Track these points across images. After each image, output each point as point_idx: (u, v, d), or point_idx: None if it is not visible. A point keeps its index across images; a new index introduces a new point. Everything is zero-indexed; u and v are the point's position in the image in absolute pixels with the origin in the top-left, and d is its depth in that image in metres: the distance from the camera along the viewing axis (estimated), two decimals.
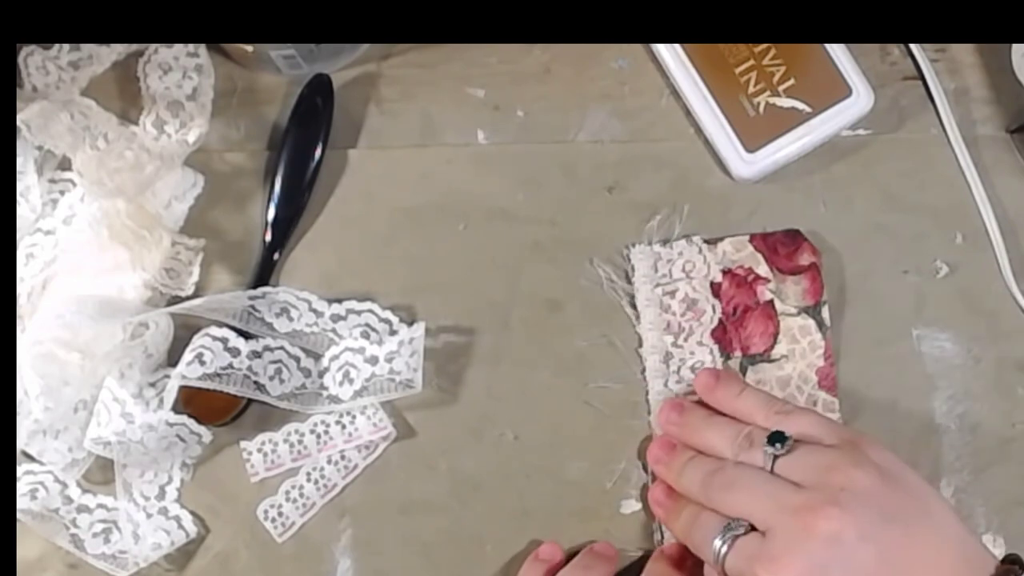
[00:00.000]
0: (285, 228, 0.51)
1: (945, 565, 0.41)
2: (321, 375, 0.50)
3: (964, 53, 0.54)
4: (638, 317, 0.51)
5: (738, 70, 0.52)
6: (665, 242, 0.52)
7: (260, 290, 0.50)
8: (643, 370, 0.51)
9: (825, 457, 0.43)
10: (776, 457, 0.44)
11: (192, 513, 0.49)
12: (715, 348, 0.50)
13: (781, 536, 0.42)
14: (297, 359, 0.49)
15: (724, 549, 0.43)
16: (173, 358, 0.49)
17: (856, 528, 0.41)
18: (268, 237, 0.51)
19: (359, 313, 0.50)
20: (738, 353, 0.50)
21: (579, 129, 0.53)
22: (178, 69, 0.52)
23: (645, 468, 0.50)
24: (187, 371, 0.46)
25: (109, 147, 0.50)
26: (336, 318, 0.50)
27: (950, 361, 0.51)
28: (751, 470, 0.45)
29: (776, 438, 0.44)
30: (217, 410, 0.49)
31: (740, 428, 0.46)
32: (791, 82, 0.52)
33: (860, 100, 0.51)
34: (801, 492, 0.43)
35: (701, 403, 0.49)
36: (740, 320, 0.50)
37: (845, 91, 0.51)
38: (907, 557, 0.41)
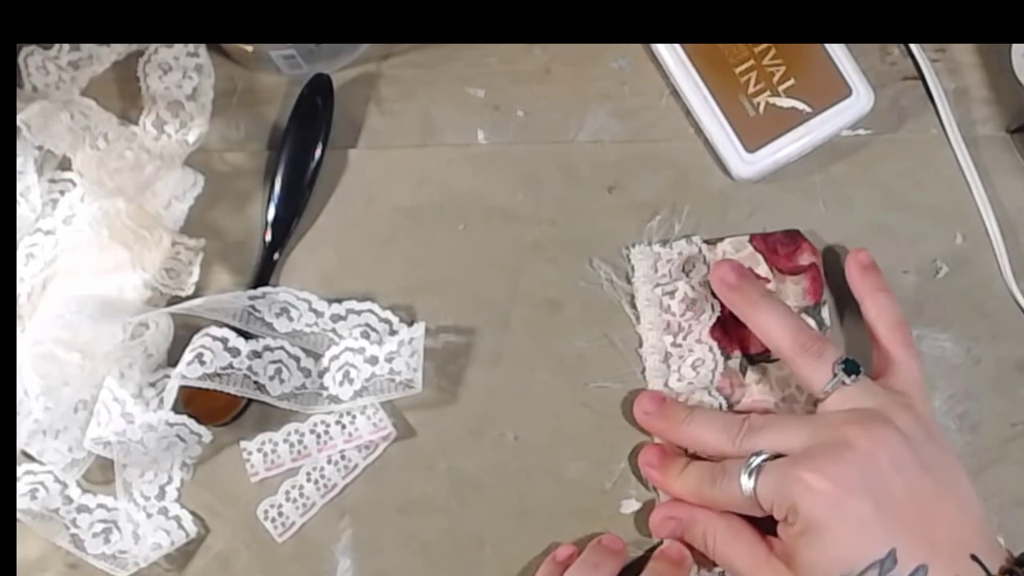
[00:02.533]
0: (285, 228, 0.51)
1: (969, 533, 0.42)
2: (321, 375, 0.50)
3: (964, 53, 0.54)
4: (638, 317, 0.51)
5: (738, 70, 0.52)
6: (665, 242, 0.52)
7: (260, 290, 0.50)
8: (643, 370, 0.51)
9: (874, 399, 0.45)
10: (829, 392, 0.45)
11: (192, 513, 0.49)
12: (715, 346, 0.50)
13: (819, 447, 0.43)
14: (297, 359, 0.49)
15: (753, 479, 0.43)
16: (173, 358, 0.49)
17: (890, 456, 0.42)
18: (268, 237, 0.51)
19: (359, 313, 0.50)
20: (738, 353, 0.50)
21: (579, 129, 0.53)
22: (178, 69, 0.52)
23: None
24: (187, 371, 0.46)
25: (109, 147, 0.50)
26: (336, 318, 0.50)
27: (950, 361, 0.51)
28: (776, 415, 0.47)
29: (852, 368, 0.45)
30: (217, 410, 0.49)
31: (733, 418, 0.47)
32: (791, 82, 0.52)
33: (860, 100, 0.51)
34: (839, 416, 0.44)
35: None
36: (740, 320, 0.50)
37: (845, 91, 0.51)
38: (933, 508, 0.42)
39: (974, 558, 0.41)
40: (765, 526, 0.45)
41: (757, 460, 0.44)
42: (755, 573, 0.44)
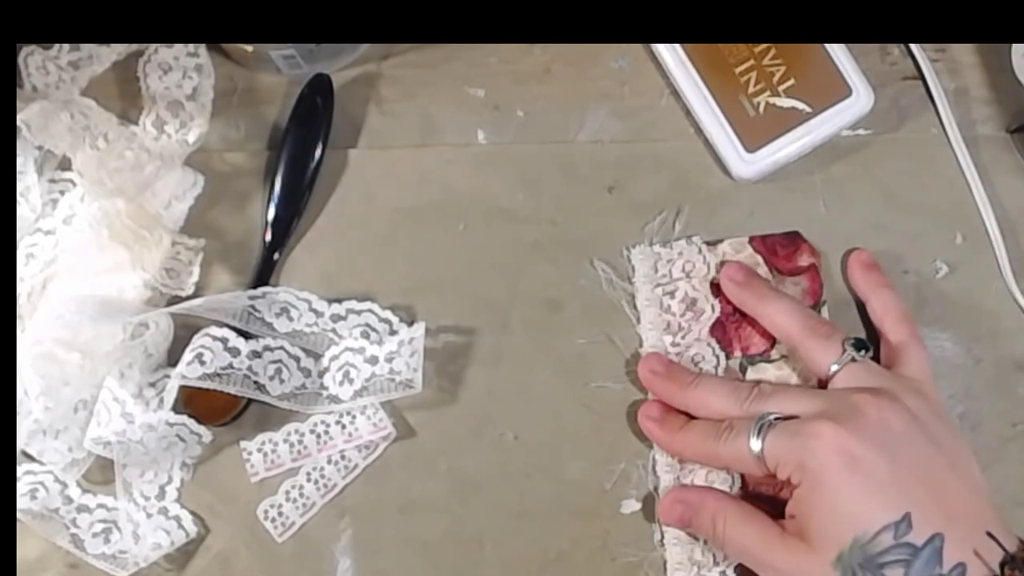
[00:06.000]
0: (285, 228, 0.51)
1: (984, 511, 0.42)
2: (321, 375, 0.50)
3: (964, 53, 0.54)
4: (638, 317, 0.51)
5: (738, 70, 0.52)
6: (665, 243, 0.52)
7: (260, 290, 0.50)
8: None
9: (883, 380, 0.45)
10: (840, 369, 0.45)
11: (192, 513, 0.49)
12: (715, 345, 0.50)
13: (832, 411, 0.43)
14: (297, 359, 0.49)
15: (762, 438, 0.43)
16: (173, 358, 0.49)
17: (902, 428, 0.42)
18: (268, 237, 0.51)
19: (359, 313, 0.50)
20: (738, 353, 0.50)
21: (579, 129, 0.53)
22: (178, 69, 0.52)
23: (652, 468, 0.50)
24: (187, 371, 0.46)
25: (109, 147, 0.50)
26: (336, 318, 0.50)
27: (950, 361, 0.51)
28: (787, 385, 0.47)
29: (861, 344, 0.46)
30: (217, 410, 0.49)
31: (742, 384, 0.47)
32: (791, 82, 0.52)
33: (860, 100, 0.51)
34: (850, 389, 0.44)
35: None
36: (740, 320, 0.50)
37: (845, 91, 0.51)
38: (946, 482, 0.42)
39: (991, 535, 0.40)
40: (776, 512, 0.46)
41: (769, 418, 0.44)
42: (768, 554, 0.43)
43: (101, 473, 0.49)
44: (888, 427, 0.42)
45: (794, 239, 0.51)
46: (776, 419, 0.44)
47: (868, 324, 0.51)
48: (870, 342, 0.47)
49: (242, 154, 0.53)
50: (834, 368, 0.46)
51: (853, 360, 0.46)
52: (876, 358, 0.48)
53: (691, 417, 0.48)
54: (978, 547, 0.40)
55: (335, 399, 0.49)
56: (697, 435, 0.46)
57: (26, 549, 0.49)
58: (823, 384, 0.47)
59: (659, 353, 0.50)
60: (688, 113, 0.53)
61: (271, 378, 0.49)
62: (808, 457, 0.42)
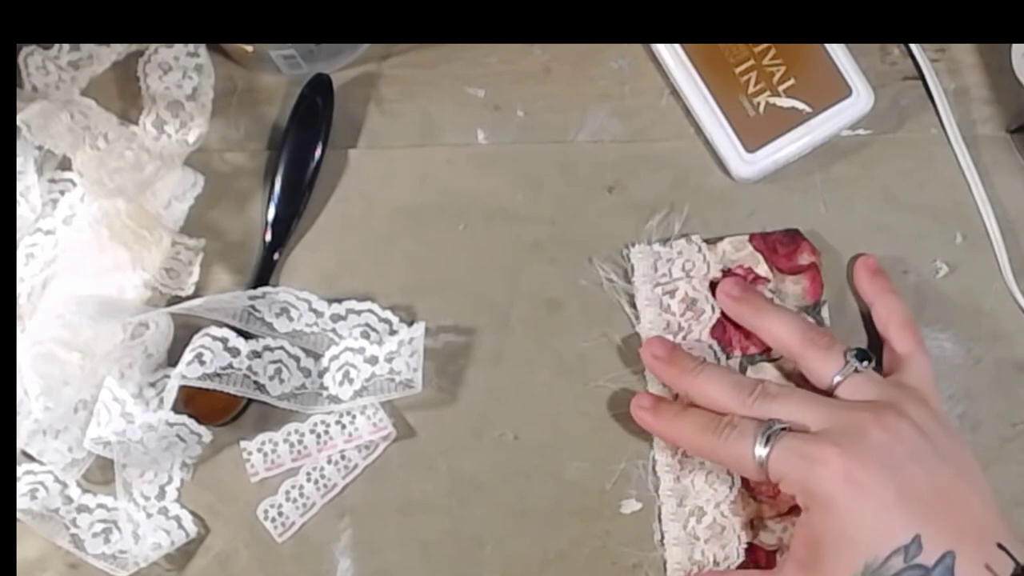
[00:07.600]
0: (285, 228, 0.51)
1: (993, 522, 0.42)
2: (321, 375, 0.50)
3: (964, 53, 0.54)
4: (638, 317, 0.51)
5: (738, 70, 0.52)
6: (665, 242, 0.52)
7: (260, 290, 0.50)
8: (643, 370, 0.51)
9: (886, 392, 0.45)
10: (843, 380, 0.45)
11: (192, 513, 0.49)
12: (715, 345, 0.50)
13: (837, 431, 0.43)
14: (297, 359, 0.49)
15: (768, 448, 0.43)
16: (173, 358, 0.49)
17: (907, 447, 0.42)
18: (268, 237, 0.51)
19: (359, 313, 0.50)
20: (738, 353, 0.50)
21: (579, 129, 0.53)
22: (178, 69, 0.52)
23: (652, 468, 0.50)
24: (187, 371, 0.46)
25: (109, 147, 0.50)
26: (336, 318, 0.50)
27: (950, 361, 0.51)
28: (792, 387, 0.47)
29: (863, 355, 0.45)
30: (217, 410, 0.49)
31: (746, 379, 0.47)
32: (791, 82, 0.52)
33: (860, 100, 0.51)
34: (855, 404, 0.44)
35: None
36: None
37: (845, 91, 0.51)
38: (955, 497, 0.42)
39: (1001, 547, 0.40)
40: (776, 513, 0.46)
41: (776, 427, 0.43)
42: None
43: (101, 473, 0.49)
44: (894, 449, 0.42)
45: (794, 237, 0.51)
46: (783, 429, 0.44)
47: (869, 324, 0.51)
48: (871, 346, 0.47)
49: (242, 154, 0.53)
50: (837, 379, 0.45)
51: (856, 371, 0.45)
52: (877, 362, 0.48)
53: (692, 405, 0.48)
54: (989, 561, 0.40)
55: (335, 399, 0.49)
56: (695, 425, 0.46)
57: (26, 549, 0.49)
58: (825, 394, 0.47)
59: (662, 337, 0.49)
60: (688, 113, 0.53)
61: (271, 378, 0.49)
62: (815, 483, 0.42)
